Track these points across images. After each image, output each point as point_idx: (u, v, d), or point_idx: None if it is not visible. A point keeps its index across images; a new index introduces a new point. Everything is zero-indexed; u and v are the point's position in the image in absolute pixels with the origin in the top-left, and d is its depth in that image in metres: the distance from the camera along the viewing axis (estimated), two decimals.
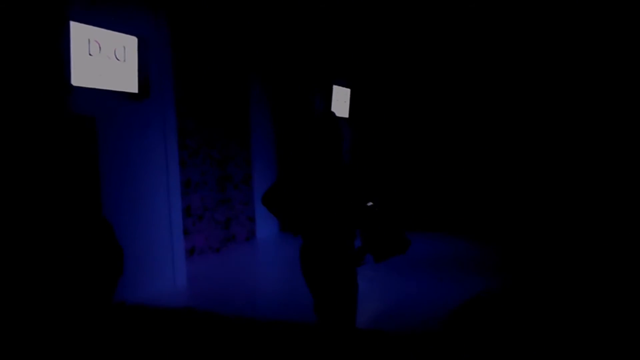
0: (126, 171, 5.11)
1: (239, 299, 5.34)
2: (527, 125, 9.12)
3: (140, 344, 3.92)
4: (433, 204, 9.61)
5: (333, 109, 9.17)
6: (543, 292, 5.28)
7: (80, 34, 4.50)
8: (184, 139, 6.78)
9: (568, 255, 6.87)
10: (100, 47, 4.71)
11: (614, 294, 5.05)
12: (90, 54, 4.62)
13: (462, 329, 4.05)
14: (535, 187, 8.91)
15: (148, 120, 5.36)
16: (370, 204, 2.82)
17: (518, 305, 4.82)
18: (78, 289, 3.31)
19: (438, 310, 4.68)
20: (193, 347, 3.89)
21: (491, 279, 5.79)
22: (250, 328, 4.35)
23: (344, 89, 9.64)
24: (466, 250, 7.51)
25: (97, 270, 3.32)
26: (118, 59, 4.91)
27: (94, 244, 3.40)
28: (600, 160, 8.40)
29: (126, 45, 4.97)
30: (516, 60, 9.06)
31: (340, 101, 9.56)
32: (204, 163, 7.29)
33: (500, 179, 9.30)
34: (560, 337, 4.01)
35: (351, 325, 2.86)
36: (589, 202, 8.25)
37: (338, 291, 2.78)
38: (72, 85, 4.41)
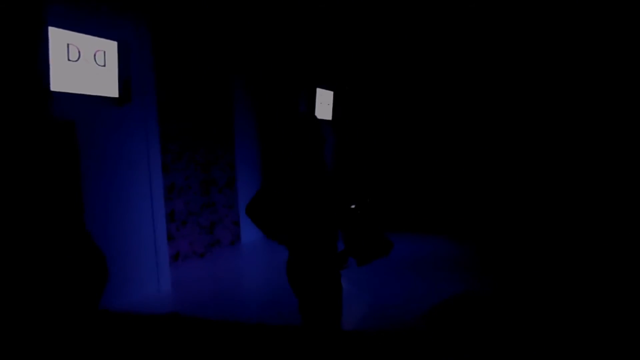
0: (108, 176, 5.06)
1: (224, 303, 5.32)
2: (507, 126, 9.25)
3: (126, 352, 3.88)
4: (415, 204, 9.69)
5: (316, 111, 9.19)
6: (525, 291, 5.35)
7: (59, 39, 4.45)
8: (167, 143, 6.74)
9: (550, 255, 6.98)
10: (79, 52, 4.67)
11: (597, 293, 5.13)
12: (69, 59, 4.58)
13: (444, 327, 4.08)
14: (516, 187, 9.02)
15: (130, 125, 5.32)
16: (352, 206, 2.83)
17: (500, 304, 4.87)
18: (61, 297, 3.27)
19: (422, 309, 4.73)
20: (179, 353, 3.86)
21: (474, 278, 5.86)
22: (236, 332, 4.34)
23: (327, 91, 9.67)
24: (448, 250, 7.57)
25: (81, 278, 3.28)
26: (98, 64, 4.87)
27: (77, 251, 3.36)
28: (582, 158, 8.51)
29: (106, 50, 4.93)
30: (498, 62, 9.18)
31: (324, 104, 9.59)
32: (188, 167, 7.25)
33: (481, 179, 9.40)
34: (543, 336, 4.06)
35: (337, 327, 2.87)
36: (571, 201, 8.37)
37: (323, 294, 2.78)
38: (51, 91, 4.35)
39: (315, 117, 2.99)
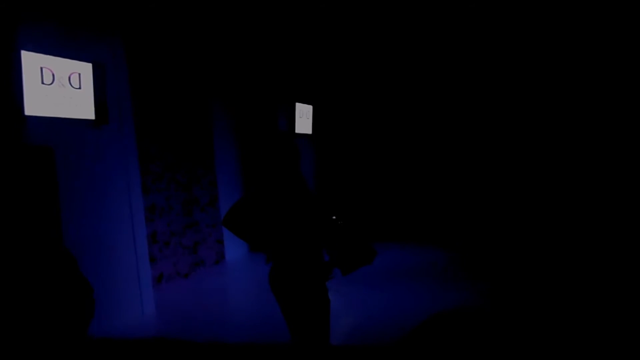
0: (87, 200, 4.97)
1: (210, 324, 5.23)
2: (491, 132, 9.35)
3: None
4: (397, 215, 9.72)
5: (296, 125, 9.20)
6: (514, 302, 5.34)
7: (32, 62, 4.39)
8: (147, 164, 6.66)
9: (539, 263, 6.96)
10: (53, 75, 4.60)
11: (588, 302, 5.10)
12: (43, 83, 4.51)
13: (431, 342, 4.04)
14: (502, 195, 9.08)
15: (107, 147, 5.25)
16: (334, 217, 2.83)
17: (489, 318, 4.86)
18: (42, 331, 3.16)
19: (410, 321, 4.69)
20: None
21: (460, 288, 5.86)
22: (225, 353, 4.26)
23: (307, 106, 9.70)
24: (434, 259, 7.59)
25: (63, 311, 3.16)
26: (73, 86, 4.80)
27: (58, 282, 3.25)
28: (571, 165, 8.54)
29: (81, 72, 4.87)
30: (479, 77, 9.28)
31: (304, 118, 9.61)
32: (169, 188, 7.17)
33: (466, 188, 9.47)
34: (534, 348, 4.06)
35: (325, 342, 2.83)
36: (560, 208, 8.38)
37: (310, 308, 2.76)
38: (25, 115, 4.29)
39: (287, 133, 3.06)
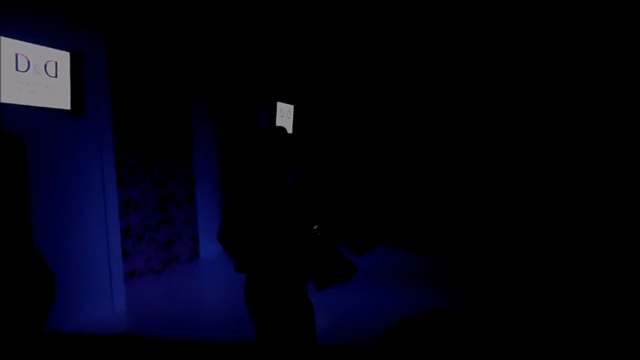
0: (59, 192, 4.86)
1: (182, 321, 5.16)
2: (476, 135, 9.41)
3: None
4: (378, 216, 9.74)
5: (277, 125, 9.15)
6: (493, 305, 5.37)
7: (7, 48, 4.27)
8: (123, 157, 6.54)
9: (521, 268, 6.97)
10: (29, 62, 4.49)
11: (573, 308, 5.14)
12: (18, 70, 4.39)
13: (408, 343, 4.08)
14: (487, 199, 9.14)
15: (82, 138, 5.14)
16: (315, 227, 2.74)
17: (466, 320, 4.91)
18: (3, 318, 3.08)
19: (387, 324, 4.71)
20: None
21: (438, 292, 5.89)
22: (195, 352, 4.20)
23: (288, 105, 9.67)
24: (414, 262, 7.63)
25: (24, 297, 3.10)
26: (49, 75, 4.69)
27: (22, 270, 3.18)
28: (556, 168, 8.59)
29: (58, 60, 4.76)
30: (464, 75, 9.31)
31: (285, 117, 9.58)
32: (145, 182, 7.06)
33: (448, 191, 9.53)
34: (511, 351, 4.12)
35: (313, 345, 2.72)
36: (547, 210, 8.40)
37: (291, 319, 2.61)
38: None
39: (284, 129, 2.82)
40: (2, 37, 4.21)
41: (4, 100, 4.23)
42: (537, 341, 4.18)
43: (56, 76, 4.75)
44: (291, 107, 9.77)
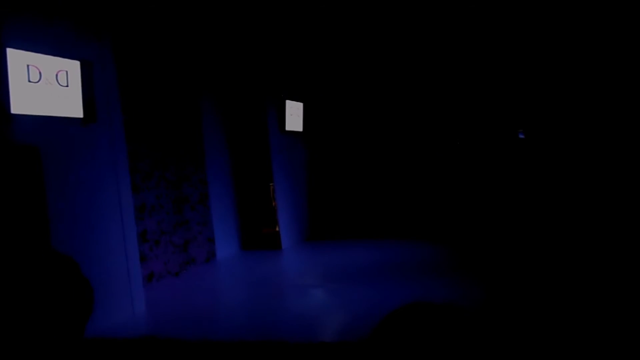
0: (75, 199, 4.93)
1: (201, 322, 5.21)
2: (480, 129, 9.40)
3: None
4: (389, 211, 9.74)
5: (287, 123, 9.17)
6: (489, 299, 5.32)
7: (18, 60, 4.34)
8: (136, 162, 6.61)
9: (522, 260, 6.92)
10: (40, 73, 4.55)
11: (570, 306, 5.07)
12: (30, 81, 4.45)
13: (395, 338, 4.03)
14: (492, 194, 9.11)
15: (96, 145, 5.20)
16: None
17: (454, 313, 4.87)
18: (34, 334, 3.13)
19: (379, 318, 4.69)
20: None
21: (449, 284, 5.87)
22: (218, 351, 4.24)
23: (297, 103, 9.67)
24: (426, 256, 7.61)
25: (57, 311, 3.13)
26: (60, 84, 4.75)
27: (49, 283, 3.21)
28: (559, 161, 8.56)
29: (68, 70, 4.82)
30: (468, 75, 9.30)
31: (294, 116, 9.58)
32: (159, 186, 7.12)
33: (459, 186, 9.49)
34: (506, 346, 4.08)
35: None
36: (549, 206, 8.37)
37: None
38: (11, 113, 4.23)
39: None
40: (13, 50, 4.27)
41: (19, 112, 4.30)
42: (543, 339, 4.14)
43: (67, 85, 4.81)
44: (300, 105, 9.76)
